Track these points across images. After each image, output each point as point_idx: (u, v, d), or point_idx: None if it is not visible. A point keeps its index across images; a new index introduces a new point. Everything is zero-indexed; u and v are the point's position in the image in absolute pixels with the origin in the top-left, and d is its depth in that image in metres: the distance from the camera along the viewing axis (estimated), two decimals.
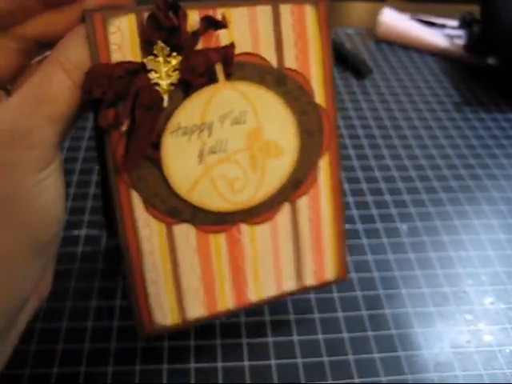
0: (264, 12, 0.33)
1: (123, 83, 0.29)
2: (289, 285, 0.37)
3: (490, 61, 0.72)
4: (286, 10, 0.33)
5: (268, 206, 0.35)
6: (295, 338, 0.38)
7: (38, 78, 0.27)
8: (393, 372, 0.36)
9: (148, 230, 0.32)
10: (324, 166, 0.36)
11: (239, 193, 0.33)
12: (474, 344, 0.38)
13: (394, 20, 0.78)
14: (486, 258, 0.45)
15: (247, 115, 0.33)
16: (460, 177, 0.54)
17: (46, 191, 0.27)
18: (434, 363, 0.36)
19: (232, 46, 0.31)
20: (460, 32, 0.77)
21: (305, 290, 0.37)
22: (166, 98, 0.30)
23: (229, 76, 0.32)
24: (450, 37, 0.77)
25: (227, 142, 0.32)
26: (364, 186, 0.51)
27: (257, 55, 0.33)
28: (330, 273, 0.38)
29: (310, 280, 0.37)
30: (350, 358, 0.37)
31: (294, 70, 0.34)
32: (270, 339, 0.37)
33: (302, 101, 0.34)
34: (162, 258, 0.33)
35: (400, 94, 0.66)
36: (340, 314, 0.39)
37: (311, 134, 0.35)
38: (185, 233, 0.33)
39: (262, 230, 0.35)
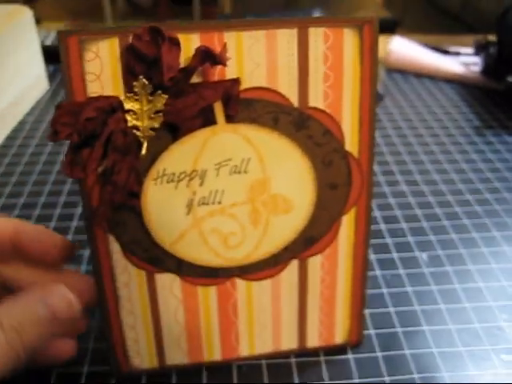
0: (287, 36, 0.26)
1: (94, 125, 0.25)
2: (288, 344, 0.32)
3: (510, 80, 0.66)
4: (317, 34, 0.26)
5: (271, 263, 0.30)
6: None
7: None
8: None
9: (126, 276, 0.29)
10: (348, 222, 0.30)
11: (234, 249, 0.29)
12: None
13: (405, 48, 0.75)
14: None
15: (251, 164, 0.27)
16: (485, 201, 0.49)
17: None
18: None
19: (236, 82, 0.25)
20: (475, 59, 0.74)
21: (308, 350, 0.33)
22: (145, 144, 0.25)
23: (230, 117, 0.26)
24: (466, 64, 0.73)
25: (223, 192, 0.27)
26: (377, 213, 0.47)
27: (273, 91, 0.26)
28: (340, 336, 0.33)
29: (314, 341, 0.33)
30: None
31: (321, 110, 0.27)
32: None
33: (327, 148, 0.28)
34: (141, 305, 0.30)
35: (414, 121, 0.63)
36: (350, 356, 0.34)
37: (334, 187, 0.28)
38: (168, 282, 0.29)
39: (261, 287, 0.30)
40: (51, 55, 0.66)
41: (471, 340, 0.35)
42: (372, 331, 0.35)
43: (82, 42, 0.24)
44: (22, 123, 0.60)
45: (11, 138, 0.57)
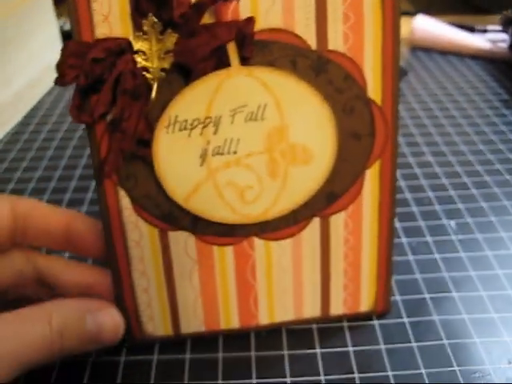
0: None
1: (102, 67, 0.23)
2: (311, 311, 0.31)
3: None
4: None
5: (290, 220, 0.28)
6: None
7: (24, 315, 0.26)
8: None
9: (137, 233, 0.28)
10: (372, 177, 0.28)
11: (251, 204, 0.27)
12: None
13: (429, 25, 0.73)
14: None
15: (267, 110, 0.26)
16: None
17: None
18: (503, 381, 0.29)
19: (250, 20, 0.24)
20: (503, 35, 0.71)
21: (332, 318, 0.31)
22: (155, 86, 0.24)
23: (245, 60, 0.25)
24: (493, 41, 0.71)
25: (239, 141, 0.26)
26: (402, 183, 0.45)
27: (289, 32, 0.25)
28: (365, 303, 0.31)
29: (338, 309, 0.31)
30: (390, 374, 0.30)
31: (341, 54, 0.26)
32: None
33: (348, 94, 0.26)
34: (154, 265, 0.28)
35: (439, 95, 0.61)
36: (376, 322, 0.32)
37: (357, 137, 0.27)
38: (182, 241, 0.28)
39: (280, 247, 0.29)
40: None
41: (505, 306, 0.33)
42: (398, 297, 0.33)
43: None
44: (40, 102, 0.60)
45: (29, 116, 0.57)
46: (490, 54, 0.69)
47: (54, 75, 0.24)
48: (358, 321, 0.32)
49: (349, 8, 0.25)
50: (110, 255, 0.28)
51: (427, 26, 0.72)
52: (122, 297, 0.29)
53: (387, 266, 0.30)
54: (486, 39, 0.71)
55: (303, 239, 0.29)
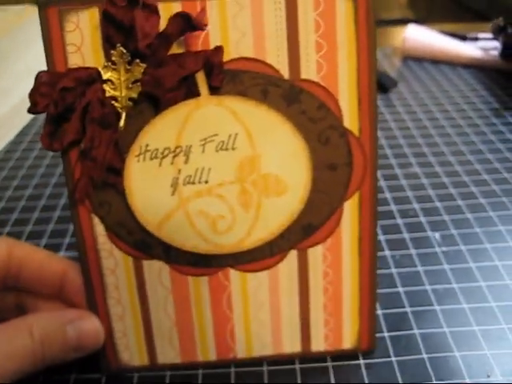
0: (274, 3, 0.25)
1: (72, 96, 0.24)
2: (290, 347, 0.30)
3: None
4: (306, 0, 0.24)
5: (266, 252, 0.28)
6: None
7: (6, 327, 0.26)
8: None
9: (112, 261, 0.28)
10: (351, 209, 0.27)
11: (224, 234, 0.27)
12: None
13: (420, 35, 0.73)
14: None
15: (238, 140, 0.26)
16: (504, 180, 0.47)
17: None
18: None
19: (218, 50, 0.24)
20: (494, 43, 0.71)
21: (314, 355, 0.30)
22: (123, 115, 0.24)
23: (215, 89, 0.25)
24: (484, 49, 0.71)
25: (210, 171, 0.26)
26: (388, 195, 0.45)
27: (260, 61, 0.25)
28: (348, 340, 0.30)
29: (319, 345, 0.30)
30: None
31: (315, 83, 0.25)
32: None
33: (322, 124, 0.26)
34: (129, 294, 0.28)
35: (429, 105, 0.61)
36: (361, 362, 0.31)
37: (333, 168, 0.26)
38: (156, 270, 0.28)
39: (257, 279, 0.28)
40: None
41: (486, 319, 0.32)
42: (380, 311, 0.33)
43: (62, 12, 0.24)
44: (34, 119, 0.61)
45: (22, 134, 0.58)
46: (482, 62, 0.69)
47: None
48: (342, 360, 0.31)
49: (322, 36, 0.25)
50: (86, 282, 0.28)
51: (419, 36, 0.72)
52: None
53: (370, 300, 0.29)
54: (478, 47, 0.71)
55: (280, 272, 0.28)
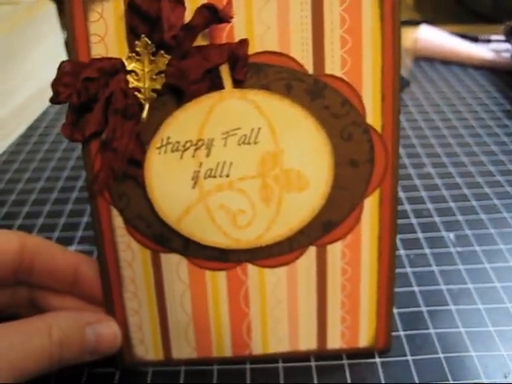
0: None
1: (95, 86, 0.24)
2: (306, 344, 0.30)
3: None
4: None
5: (285, 248, 0.27)
6: None
7: (25, 326, 0.26)
8: None
9: (130, 254, 0.27)
10: (371, 206, 0.27)
11: (244, 229, 0.27)
12: None
13: (432, 35, 0.73)
14: None
15: (261, 134, 0.25)
16: None
17: None
18: None
19: (243, 42, 0.24)
20: (506, 45, 0.71)
21: (329, 352, 0.30)
22: (146, 106, 0.24)
23: (239, 82, 0.24)
24: (497, 51, 0.71)
25: (231, 165, 0.26)
26: (402, 194, 0.45)
27: (285, 55, 0.25)
28: (364, 338, 0.30)
29: (335, 343, 0.30)
30: None
31: (339, 78, 0.25)
32: None
33: (345, 120, 0.25)
34: (146, 287, 0.28)
35: (442, 105, 0.61)
36: (377, 360, 0.31)
37: (355, 164, 0.26)
38: (174, 264, 0.28)
39: (275, 275, 0.28)
40: None
41: (502, 319, 0.32)
42: (395, 310, 0.33)
43: (86, 2, 0.24)
44: (44, 113, 0.61)
45: (33, 127, 0.58)
46: (493, 64, 0.69)
47: None
48: (358, 358, 0.30)
49: (347, 31, 0.25)
50: (103, 275, 0.28)
51: (430, 36, 0.72)
52: (113, 318, 0.29)
53: (388, 299, 0.29)
54: (490, 49, 0.71)
55: (298, 268, 0.28)
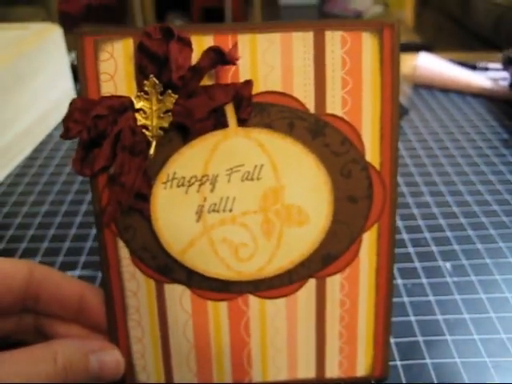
0: (303, 40, 0.25)
1: (105, 123, 0.25)
2: (305, 372, 0.30)
3: None
4: (334, 38, 0.25)
5: (285, 279, 0.28)
6: None
7: (31, 353, 0.26)
8: None
9: (135, 284, 0.28)
10: (370, 240, 0.28)
11: (246, 261, 0.27)
12: None
13: (431, 63, 0.74)
14: None
15: (263, 171, 0.26)
16: None
17: None
18: None
19: (248, 83, 0.25)
20: (504, 74, 0.72)
21: (327, 381, 0.30)
22: (153, 143, 0.25)
23: (243, 121, 0.25)
24: (494, 79, 0.72)
25: (234, 200, 0.26)
26: (400, 223, 0.45)
27: (288, 95, 0.26)
28: (362, 368, 0.30)
29: (333, 372, 0.30)
30: None
31: (339, 118, 0.26)
32: None
33: (345, 158, 0.26)
34: (149, 316, 0.29)
35: (440, 133, 0.62)
36: None
37: (354, 200, 0.27)
38: (178, 294, 0.28)
39: (275, 306, 0.29)
40: None
41: (497, 350, 0.33)
42: (392, 340, 0.33)
43: (97, 42, 0.25)
44: (49, 136, 0.62)
45: (38, 150, 0.59)
46: (491, 92, 0.70)
47: (64, 109, 0.25)
48: None
49: (348, 73, 0.26)
50: (108, 303, 0.29)
51: (430, 64, 0.74)
52: (117, 344, 0.29)
53: (384, 330, 0.30)
54: (488, 77, 0.72)
55: (298, 299, 0.29)
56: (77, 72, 0.26)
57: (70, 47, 0.69)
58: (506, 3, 0.98)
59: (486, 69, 0.75)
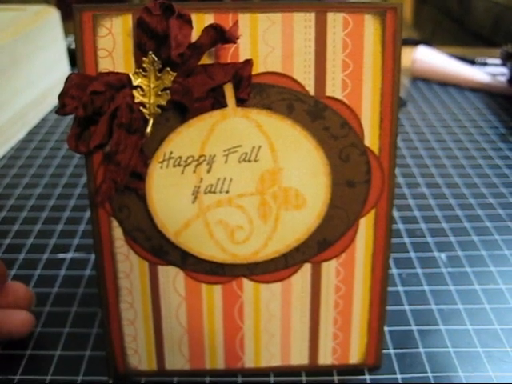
0: (304, 21, 0.25)
1: (101, 100, 0.24)
2: (298, 359, 0.30)
3: None
4: (336, 19, 0.25)
5: (281, 264, 0.28)
6: None
7: None
8: None
9: (128, 265, 0.28)
10: (366, 226, 0.28)
11: (241, 244, 0.27)
12: None
13: (430, 56, 0.74)
14: None
15: (261, 152, 0.26)
16: (509, 205, 0.47)
17: None
18: None
19: (248, 63, 0.24)
20: (502, 69, 0.72)
21: (320, 368, 0.30)
22: (150, 121, 0.25)
23: (242, 101, 0.25)
24: (493, 74, 0.72)
25: (231, 181, 0.26)
26: (396, 214, 0.45)
27: (288, 77, 0.25)
28: (355, 355, 0.30)
29: (326, 359, 0.30)
30: None
31: (339, 101, 0.26)
32: None
33: (344, 142, 0.26)
34: (142, 298, 0.28)
35: (437, 126, 0.61)
36: (367, 377, 0.31)
37: (351, 185, 0.27)
38: (171, 276, 0.28)
39: (269, 290, 0.28)
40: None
41: (490, 341, 0.33)
42: (386, 328, 0.33)
43: (96, 17, 0.24)
44: (44, 120, 0.61)
45: (33, 133, 0.59)
46: (489, 87, 0.70)
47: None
48: (348, 374, 0.31)
49: (348, 56, 0.25)
50: (100, 284, 0.28)
51: (428, 57, 0.74)
52: (109, 327, 0.29)
53: (379, 317, 0.29)
54: (486, 72, 0.72)
55: (293, 284, 0.28)
56: (74, 57, 0.25)
57: (68, 32, 0.69)
58: (505, 2, 0.98)
59: (485, 64, 0.75)
